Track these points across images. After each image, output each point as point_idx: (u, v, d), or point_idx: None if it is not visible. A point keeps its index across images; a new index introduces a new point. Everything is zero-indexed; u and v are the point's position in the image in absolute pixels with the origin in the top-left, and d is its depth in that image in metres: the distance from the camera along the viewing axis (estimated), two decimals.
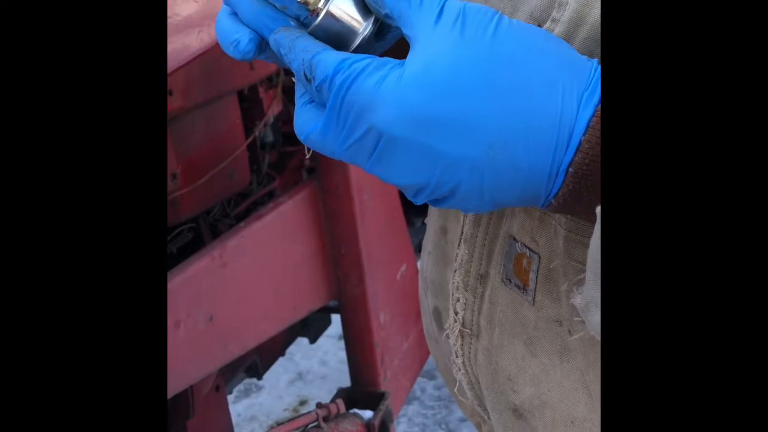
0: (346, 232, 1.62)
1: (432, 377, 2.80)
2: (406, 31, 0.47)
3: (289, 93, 1.65)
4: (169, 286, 1.21)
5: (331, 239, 1.63)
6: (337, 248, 1.64)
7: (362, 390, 1.73)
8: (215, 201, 1.44)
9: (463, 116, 0.44)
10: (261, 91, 1.54)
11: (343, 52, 0.47)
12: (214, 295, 1.32)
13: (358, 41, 0.50)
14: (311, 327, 1.88)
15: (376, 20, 0.51)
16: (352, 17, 0.50)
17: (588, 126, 0.44)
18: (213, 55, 1.14)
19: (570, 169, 0.45)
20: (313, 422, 1.47)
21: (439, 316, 0.73)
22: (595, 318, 0.44)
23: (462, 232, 0.62)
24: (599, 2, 0.48)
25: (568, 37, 0.50)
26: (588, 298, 0.45)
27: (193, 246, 1.39)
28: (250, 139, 1.50)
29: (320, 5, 0.50)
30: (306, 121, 0.49)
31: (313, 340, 1.92)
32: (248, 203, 1.57)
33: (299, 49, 0.48)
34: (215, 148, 1.40)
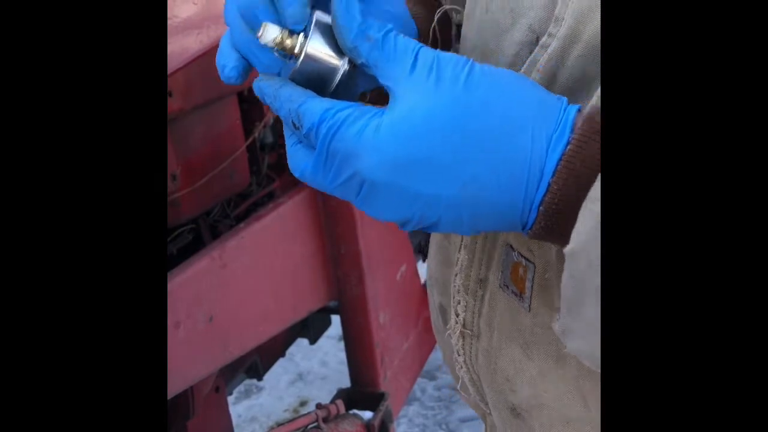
0: (346, 233, 1.62)
1: (432, 378, 2.80)
2: (382, 81, 0.49)
3: None
4: (169, 286, 1.21)
5: (331, 240, 1.64)
6: (337, 249, 1.64)
7: (362, 390, 1.73)
8: (215, 202, 1.45)
9: (437, 160, 0.47)
10: None
11: (327, 100, 0.50)
12: (214, 296, 1.32)
13: (338, 78, 0.52)
14: (311, 328, 1.88)
15: None
16: (330, 56, 0.51)
17: (556, 168, 0.47)
18: (212, 56, 1.14)
19: (541, 208, 0.47)
20: (313, 423, 1.47)
21: (444, 312, 0.74)
22: (572, 344, 0.48)
23: (462, 238, 0.63)
24: (596, 19, 0.50)
25: (563, 53, 0.51)
26: (563, 326, 0.48)
27: (193, 247, 1.39)
28: (250, 140, 1.50)
29: (297, 50, 0.51)
30: (298, 160, 0.52)
31: (313, 341, 1.92)
32: (248, 204, 1.57)
33: (284, 99, 0.51)
34: (215, 149, 1.41)
